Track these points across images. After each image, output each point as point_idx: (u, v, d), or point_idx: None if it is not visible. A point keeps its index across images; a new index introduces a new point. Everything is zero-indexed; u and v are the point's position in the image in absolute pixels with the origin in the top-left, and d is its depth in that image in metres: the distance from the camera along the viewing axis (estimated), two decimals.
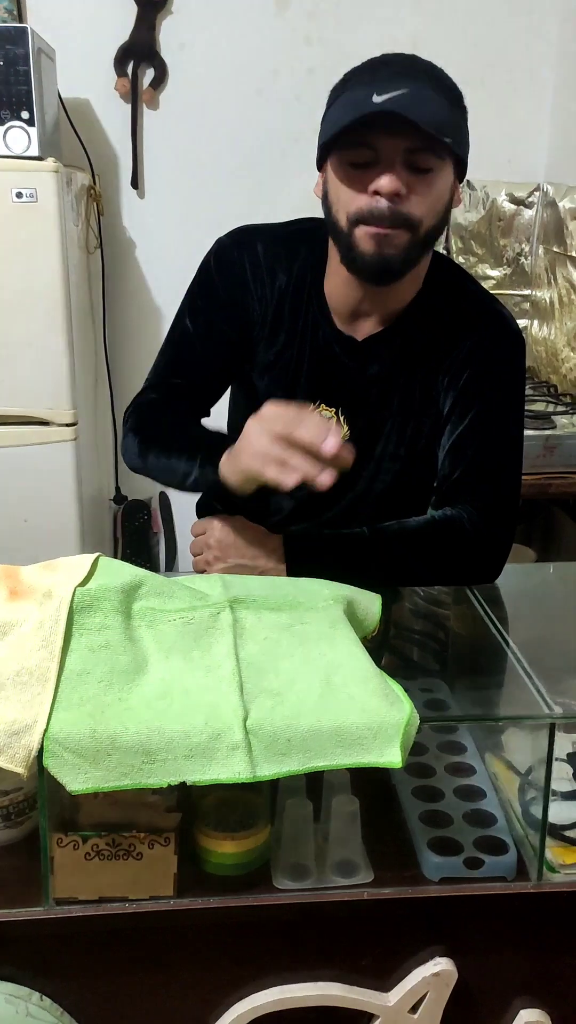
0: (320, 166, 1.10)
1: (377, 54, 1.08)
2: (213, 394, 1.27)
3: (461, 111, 1.06)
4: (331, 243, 1.14)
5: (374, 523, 1.14)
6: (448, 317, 1.16)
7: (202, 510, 1.43)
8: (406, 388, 1.17)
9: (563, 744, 0.96)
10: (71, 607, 0.83)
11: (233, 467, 1.01)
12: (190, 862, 0.83)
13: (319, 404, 1.19)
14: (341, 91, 1.05)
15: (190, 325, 1.24)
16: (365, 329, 1.17)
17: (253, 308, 1.19)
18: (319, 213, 1.14)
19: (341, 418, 1.19)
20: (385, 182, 1.01)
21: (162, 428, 1.20)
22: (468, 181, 2.46)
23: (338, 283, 1.15)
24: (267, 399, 1.20)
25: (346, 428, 1.19)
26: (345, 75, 1.06)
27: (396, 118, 0.97)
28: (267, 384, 1.22)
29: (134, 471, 1.25)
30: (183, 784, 0.75)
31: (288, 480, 0.92)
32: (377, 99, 0.98)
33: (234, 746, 0.75)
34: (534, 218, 2.51)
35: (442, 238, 2.47)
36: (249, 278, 1.19)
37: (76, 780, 0.74)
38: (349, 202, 1.05)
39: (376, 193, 1.02)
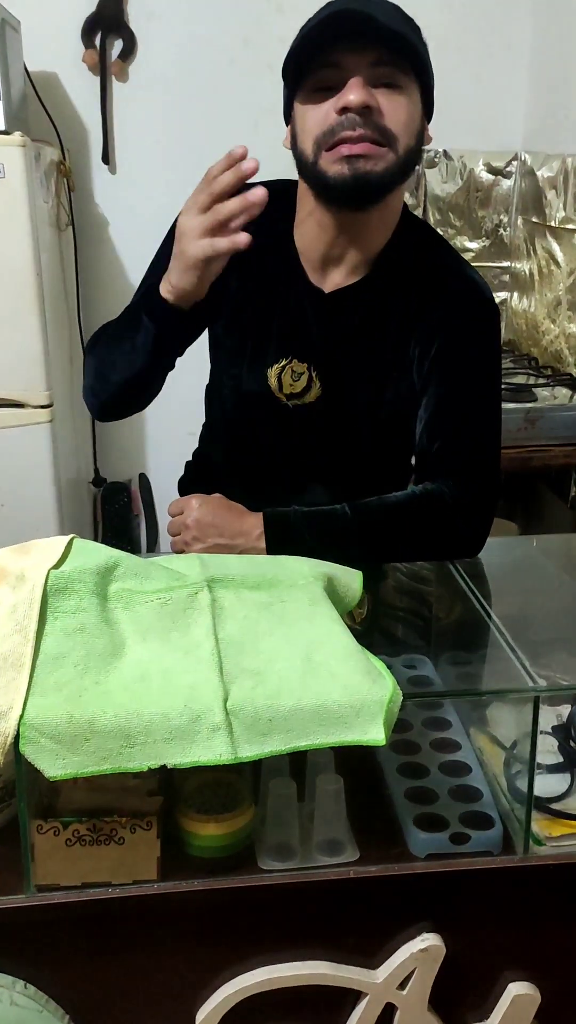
0: (287, 117, 1.08)
1: None
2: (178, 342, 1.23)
3: (422, 42, 1.05)
4: (300, 192, 1.12)
5: (354, 497, 1.13)
6: (418, 281, 1.14)
7: (184, 489, 1.41)
8: (378, 350, 1.15)
9: (548, 717, 0.95)
10: (45, 590, 0.81)
11: (178, 268, 1.02)
12: (173, 845, 0.82)
13: (291, 359, 1.17)
14: (306, 28, 1.03)
15: (149, 276, 1.22)
16: (334, 280, 1.15)
17: (228, 274, 1.16)
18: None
19: (313, 373, 1.17)
20: (353, 95, 0.99)
21: (108, 326, 1.18)
22: (445, 151, 2.43)
23: (310, 229, 1.12)
24: (237, 355, 1.18)
25: (319, 385, 1.17)
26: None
27: (358, 19, 0.96)
28: (237, 340, 1.20)
29: (96, 397, 1.18)
30: (164, 767, 0.74)
31: (227, 210, 0.96)
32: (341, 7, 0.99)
33: (215, 727, 0.74)
34: (512, 188, 2.48)
35: (419, 209, 2.45)
36: None
37: (54, 766, 0.73)
38: (316, 126, 1.02)
39: (345, 110, 1.00)
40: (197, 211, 0.98)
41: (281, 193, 1.15)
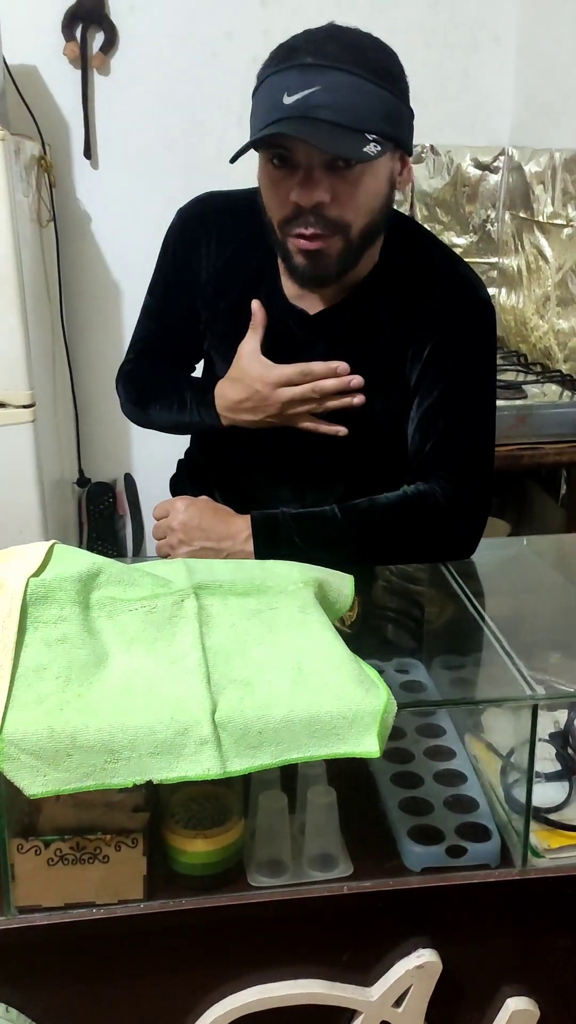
0: None
1: (330, 17, 1.02)
2: (190, 355, 1.30)
3: (392, 85, 0.97)
4: None
5: (351, 499, 1.10)
6: (409, 284, 1.11)
7: (176, 488, 1.38)
8: (369, 364, 1.13)
9: (543, 722, 0.93)
10: (24, 599, 0.77)
11: (255, 422, 1.14)
12: (160, 863, 0.80)
13: None
14: (261, 81, 0.99)
15: (151, 299, 1.26)
16: (317, 301, 1.13)
17: (208, 284, 1.17)
18: None
19: None
20: (304, 196, 0.97)
21: (152, 384, 1.27)
22: (432, 146, 2.41)
23: None
24: (228, 365, 1.17)
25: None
26: (267, 59, 1.00)
27: (307, 123, 0.92)
28: (223, 357, 1.18)
29: (141, 425, 1.31)
30: (150, 782, 0.71)
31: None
32: (287, 100, 0.93)
33: (202, 741, 0.71)
34: (500, 183, 2.46)
35: (407, 205, 2.42)
36: (203, 254, 1.17)
37: (35, 783, 0.70)
38: (275, 209, 1.02)
39: (298, 206, 0.99)
40: (292, 395, 1.09)
41: None
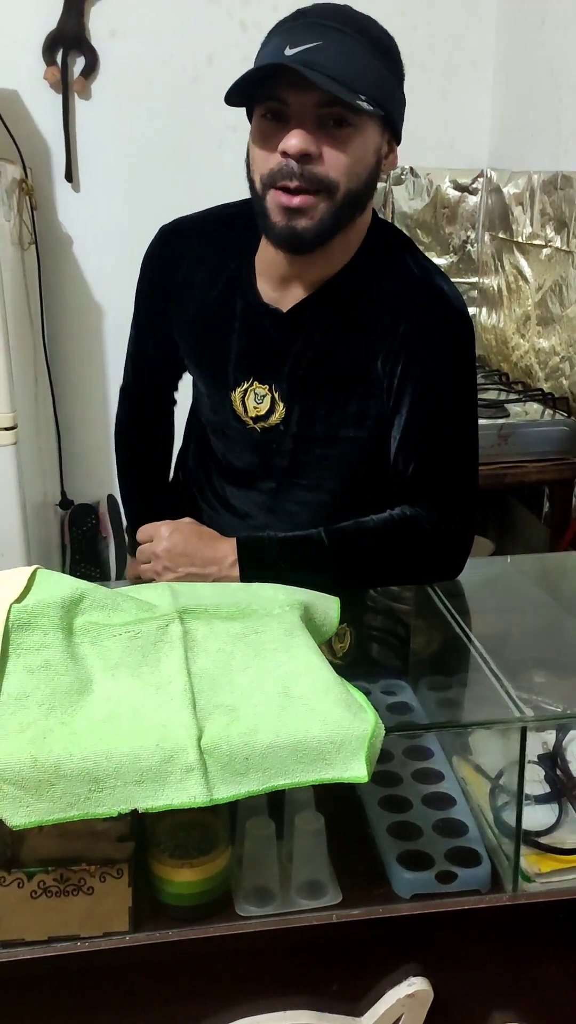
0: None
1: None
2: (176, 376, 1.32)
3: (389, 63, 1.01)
4: None
5: (332, 519, 1.09)
6: (383, 291, 1.10)
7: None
8: (344, 362, 1.11)
9: (532, 744, 0.92)
10: (6, 625, 0.76)
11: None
12: (146, 893, 0.78)
13: (252, 382, 1.14)
14: (266, 39, 1.00)
15: (134, 330, 1.29)
16: (292, 298, 1.12)
17: (183, 292, 1.17)
18: None
19: (275, 394, 1.14)
20: (292, 142, 0.97)
21: (131, 469, 1.45)
22: (411, 168, 2.43)
23: (268, 249, 1.10)
24: (206, 380, 1.20)
25: (282, 407, 1.15)
26: (271, 30, 1.02)
27: (298, 74, 0.93)
28: (203, 366, 1.19)
29: None
30: (135, 811, 0.70)
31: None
32: (289, 52, 0.94)
33: (188, 768, 0.70)
34: (479, 204, 2.49)
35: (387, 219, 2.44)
36: (179, 274, 1.17)
37: (17, 814, 0.68)
38: (262, 163, 1.01)
39: (285, 154, 0.97)
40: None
41: (242, 218, 1.12)
